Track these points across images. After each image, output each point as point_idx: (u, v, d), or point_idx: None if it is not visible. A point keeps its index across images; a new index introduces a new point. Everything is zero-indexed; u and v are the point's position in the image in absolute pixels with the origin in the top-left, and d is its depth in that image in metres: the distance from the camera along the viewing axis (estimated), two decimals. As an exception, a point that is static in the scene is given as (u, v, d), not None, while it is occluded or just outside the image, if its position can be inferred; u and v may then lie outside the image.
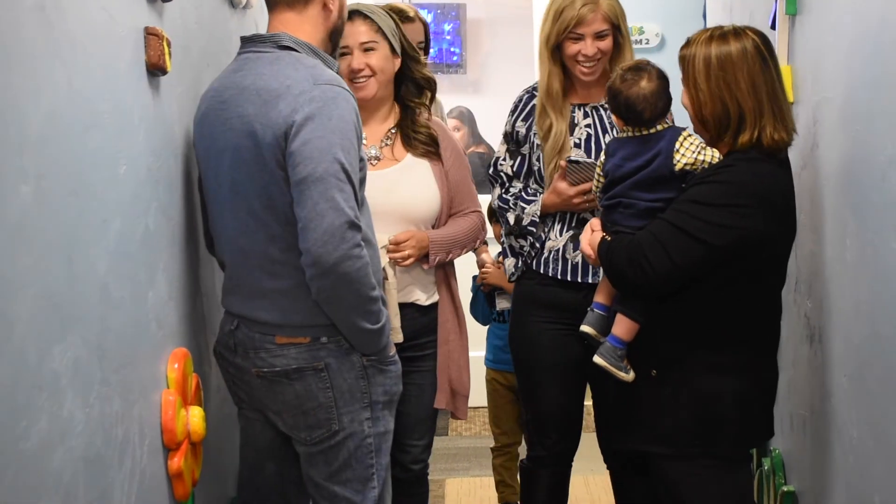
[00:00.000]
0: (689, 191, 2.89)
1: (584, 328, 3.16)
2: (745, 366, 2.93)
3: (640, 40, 6.02)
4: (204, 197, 2.93)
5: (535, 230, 3.63)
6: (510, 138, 3.75)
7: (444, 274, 3.60)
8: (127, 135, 2.41)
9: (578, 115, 3.64)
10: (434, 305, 3.57)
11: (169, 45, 2.65)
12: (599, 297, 3.18)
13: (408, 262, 3.41)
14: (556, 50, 3.56)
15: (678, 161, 2.95)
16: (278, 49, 2.84)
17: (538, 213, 3.61)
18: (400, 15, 3.87)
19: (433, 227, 3.54)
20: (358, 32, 3.37)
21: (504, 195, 3.72)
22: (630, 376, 3.01)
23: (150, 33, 2.55)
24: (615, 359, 3.01)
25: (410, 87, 3.55)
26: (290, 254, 2.76)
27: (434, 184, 3.54)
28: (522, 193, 3.70)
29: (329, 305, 2.77)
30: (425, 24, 4.19)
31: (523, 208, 3.64)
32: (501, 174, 3.76)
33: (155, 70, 2.59)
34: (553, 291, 3.67)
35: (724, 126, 2.86)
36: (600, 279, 3.20)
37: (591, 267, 3.59)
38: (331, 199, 2.66)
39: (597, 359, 3.02)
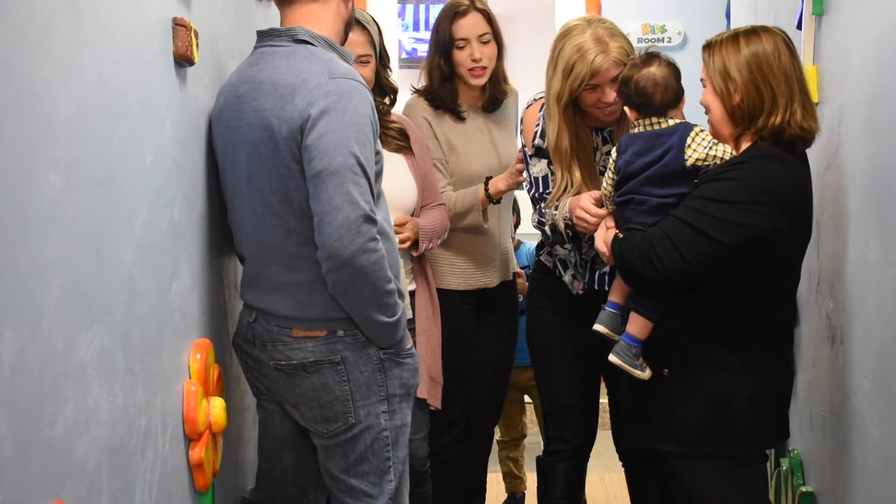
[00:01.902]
0: (701, 187, 2.91)
1: (597, 327, 3.18)
2: (758, 366, 2.94)
3: (663, 38, 6.02)
4: (223, 191, 2.94)
5: (571, 232, 3.48)
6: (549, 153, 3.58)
7: (421, 264, 3.66)
8: (154, 125, 2.42)
9: (597, 139, 3.58)
10: (411, 294, 3.62)
11: (196, 36, 2.65)
12: (613, 296, 3.20)
13: (406, 244, 3.51)
14: (568, 104, 3.44)
15: (690, 156, 2.97)
16: (294, 43, 2.85)
17: (567, 215, 3.43)
18: (453, 9, 3.96)
19: None
20: (355, 43, 3.41)
21: (544, 209, 3.59)
22: (646, 374, 3.02)
23: (178, 24, 2.55)
24: (630, 357, 3.03)
25: (377, 90, 3.62)
26: (306, 247, 2.77)
27: (410, 177, 3.64)
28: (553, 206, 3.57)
29: (345, 299, 2.78)
30: (486, 14, 4.00)
31: (553, 216, 3.52)
32: (546, 195, 3.59)
33: (182, 61, 2.59)
34: (562, 283, 3.66)
35: (757, 110, 2.86)
36: (615, 278, 3.21)
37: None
38: (346, 193, 2.67)
39: (612, 357, 3.04)
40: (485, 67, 3.94)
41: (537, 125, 3.62)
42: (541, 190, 3.61)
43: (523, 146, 3.71)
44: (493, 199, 3.87)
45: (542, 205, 3.58)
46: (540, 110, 3.63)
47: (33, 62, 1.77)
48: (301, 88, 2.73)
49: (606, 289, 3.54)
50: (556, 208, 3.51)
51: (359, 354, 2.85)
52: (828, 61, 3.29)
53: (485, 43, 3.93)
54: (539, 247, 3.80)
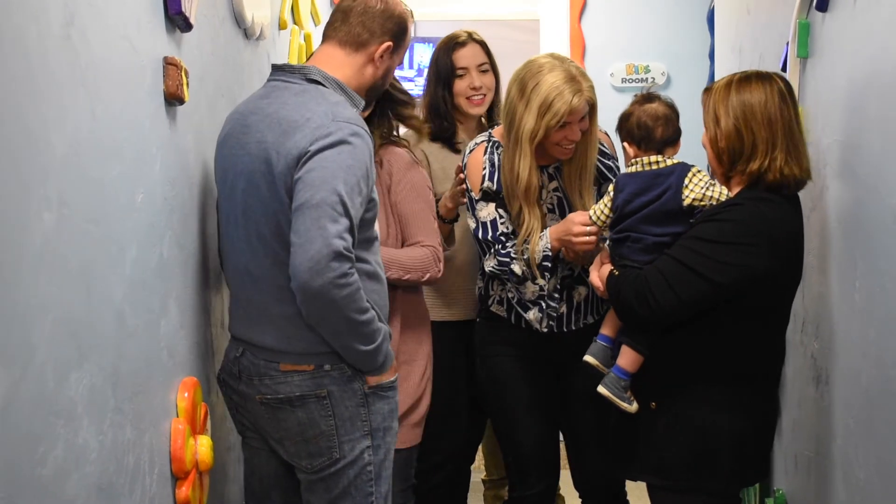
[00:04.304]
0: (696, 228, 2.96)
1: (588, 358, 3.20)
2: (743, 403, 2.98)
3: (647, 79, 6.06)
4: (218, 217, 2.96)
5: (549, 265, 3.46)
6: (497, 196, 3.55)
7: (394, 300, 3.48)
8: (145, 164, 2.42)
9: (543, 177, 3.55)
10: None
11: (187, 75, 2.67)
12: (604, 329, 3.23)
13: None
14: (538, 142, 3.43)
15: (687, 196, 3.02)
16: (306, 81, 2.88)
17: (549, 246, 3.44)
18: (452, 41, 4.03)
19: None
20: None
21: (502, 251, 3.52)
22: (633, 407, 3.06)
23: (168, 63, 2.57)
24: (619, 389, 3.06)
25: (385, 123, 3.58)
26: None
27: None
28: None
29: (320, 328, 2.77)
30: (483, 45, 4.10)
31: (525, 251, 3.47)
32: (501, 237, 3.54)
33: (172, 100, 2.60)
34: (517, 329, 3.64)
35: (737, 155, 2.92)
36: (608, 311, 3.25)
37: (573, 315, 3.57)
38: (322, 227, 2.64)
39: (601, 389, 3.07)
40: (484, 95, 4.00)
41: (484, 169, 3.57)
42: (490, 233, 3.55)
43: (468, 188, 3.64)
44: (445, 219, 3.83)
45: (499, 246, 3.52)
46: (484, 154, 3.60)
47: (28, 101, 1.78)
48: (304, 126, 2.74)
49: (573, 327, 3.57)
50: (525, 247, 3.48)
51: (344, 389, 2.84)
52: (812, 103, 3.32)
53: (483, 72, 4.01)
54: (483, 298, 3.73)
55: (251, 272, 2.85)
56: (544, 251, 3.45)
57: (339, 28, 2.96)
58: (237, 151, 2.84)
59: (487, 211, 3.56)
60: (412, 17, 3.07)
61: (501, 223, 3.55)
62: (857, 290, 2.83)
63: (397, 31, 2.98)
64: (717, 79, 3.49)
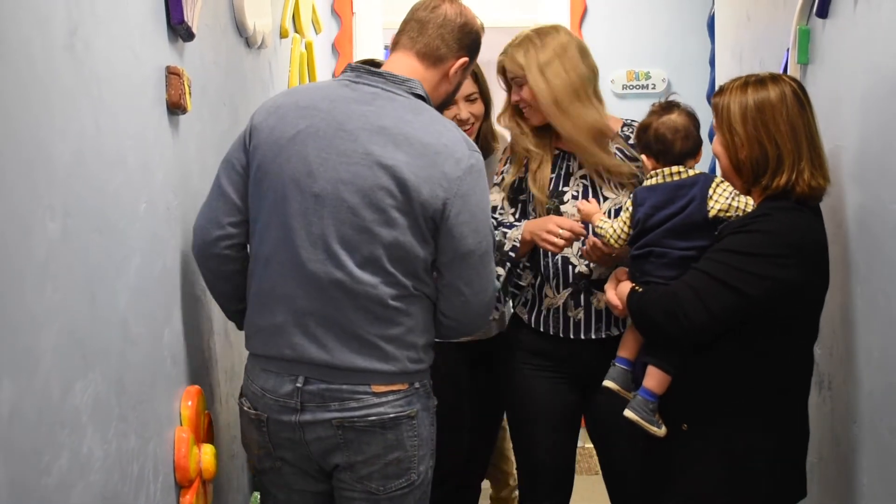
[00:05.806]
0: (725, 240, 2.82)
1: (607, 383, 3.07)
2: (778, 422, 2.82)
3: (647, 85, 6.06)
4: (265, 210, 2.71)
5: (514, 256, 3.42)
6: (510, 187, 3.58)
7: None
8: (148, 173, 2.43)
9: (573, 164, 3.52)
10: None
11: (189, 84, 2.67)
12: (623, 352, 3.10)
13: None
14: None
15: (712, 207, 2.92)
16: (412, 96, 2.75)
17: (519, 238, 3.41)
18: None
19: None
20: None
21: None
22: (662, 431, 2.91)
23: (171, 72, 2.57)
24: (647, 413, 2.91)
25: None
26: (403, 301, 2.69)
27: None
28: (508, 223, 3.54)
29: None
30: (474, 73, 3.83)
31: (505, 233, 3.46)
32: (502, 224, 3.53)
33: (175, 109, 2.61)
34: (544, 339, 3.55)
35: (761, 169, 2.79)
36: (625, 332, 3.15)
37: (593, 323, 3.47)
38: (490, 272, 2.80)
39: (628, 413, 2.92)
40: (472, 125, 3.82)
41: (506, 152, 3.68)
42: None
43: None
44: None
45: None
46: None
47: (32, 111, 1.78)
48: (444, 153, 2.66)
49: (593, 336, 3.50)
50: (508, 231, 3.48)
51: (425, 406, 2.79)
52: (814, 109, 3.32)
53: (472, 101, 3.82)
54: (513, 297, 3.70)
55: (345, 287, 2.66)
56: (514, 241, 3.43)
57: (416, 39, 2.81)
58: (334, 157, 2.65)
59: (496, 197, 3.60)
60: (483, 30, 2.94)
61: (501, 212, 3.58)
62: (860, 295, 2.83)
63: (472, 47, 2.87)
64: (717, 85, 3.46)
